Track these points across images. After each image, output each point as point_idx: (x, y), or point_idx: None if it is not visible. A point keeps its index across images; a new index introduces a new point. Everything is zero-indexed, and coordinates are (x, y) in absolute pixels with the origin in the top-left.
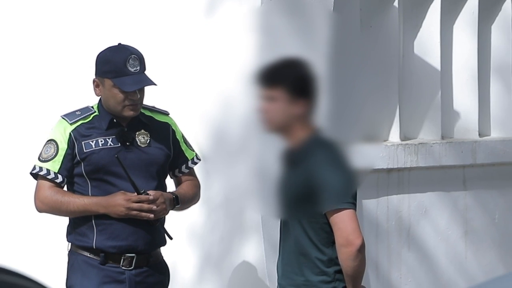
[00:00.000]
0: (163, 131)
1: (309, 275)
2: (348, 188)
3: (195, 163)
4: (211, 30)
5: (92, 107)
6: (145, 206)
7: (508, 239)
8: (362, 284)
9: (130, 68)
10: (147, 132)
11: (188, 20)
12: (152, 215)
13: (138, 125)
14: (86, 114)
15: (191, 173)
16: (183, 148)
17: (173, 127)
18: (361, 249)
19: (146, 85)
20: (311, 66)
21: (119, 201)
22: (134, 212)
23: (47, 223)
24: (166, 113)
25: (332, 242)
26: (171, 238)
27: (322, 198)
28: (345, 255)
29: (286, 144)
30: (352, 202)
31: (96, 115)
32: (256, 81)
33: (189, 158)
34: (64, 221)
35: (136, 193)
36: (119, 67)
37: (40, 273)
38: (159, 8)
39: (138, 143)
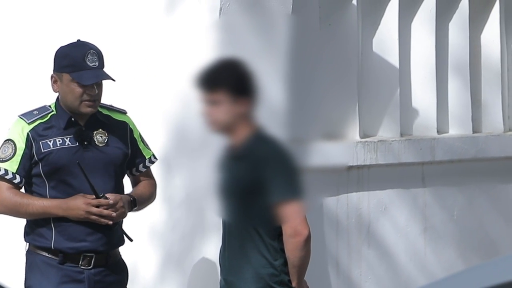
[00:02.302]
0: (120, 130)
1: (258, 268)
2: (294, 181)
3: (152, 162)
4: (170, 28)
5: (50, 106)
6: (105, 212)
7: (466, 235)
8: (322, 282)
9: (88, 63)
10: (105, 131)
11: (147, 18)
12: (111, 222)
13: (96, 124)
14: (44, 114)
15: (148, 172)
16: (140, 147)
17: (130, 126)
18: (308, 239)
19: (104, 79)
20: (248, 65)
21: (79, 205)
22: (94, 217)
23: (4, 223)
24: (123, 112)
25: (279, 235)
26: (131, 240)
27: (270, 191)
28: (292, 245)
29: (230, 142)
30: (298, 194)
31: (54, 114)
32: (197, 85)
33: (146, 157)
34: (22, 220)
35: (95, 197)
36: (78, 61)
37: (5, 274)
38: (119, 6)
39: (96, 142)
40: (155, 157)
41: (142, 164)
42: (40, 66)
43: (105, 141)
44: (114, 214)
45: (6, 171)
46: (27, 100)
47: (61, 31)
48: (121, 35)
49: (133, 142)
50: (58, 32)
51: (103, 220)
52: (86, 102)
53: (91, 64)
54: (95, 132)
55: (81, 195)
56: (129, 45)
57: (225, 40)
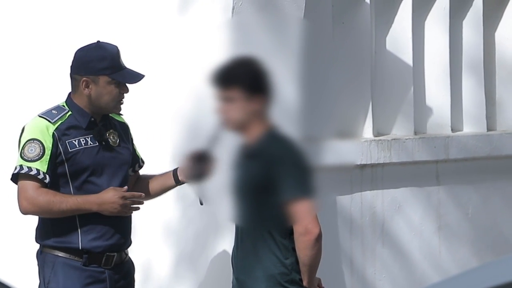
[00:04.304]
0: (124, 131)
1: (268, 267)
2: (306, 179)
3: (143, 163)
4: (183, 27)
5: (63, 106)
6: (137, 202)
7: (481, 233)
8: (336, 281)
9: (122, 63)
10: (116, 132)
11: (161, 17)
12: (139, 207)
13: (108, 124)
14: (62, 114)
15: (138, 173)
16: (135, 148)
17: (129, 128)
18: (319, 238)
19: (143, 77)
20: (263, 63)
21: (113, 198)
22: (128, 208)
23: (16, 225)
24: (121, 114)
25: (290, 233)
26: (202, 204)
27: (281, 190)
28: (303, 244)
29: (244, 140)
30: (310, 193)
31: (71, 114)
32: (212, 82)
33: (139, 157)
34: (34, 223)
35: (127, 188)
36: (116, 62)
37: (15, 276)
38: (132, 5)
39: (110, 142)
40: (142, 161)
41: (137, 164)
42: (51, 67)
43: (117, 142)
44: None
45: (38, 170)
46: (36, 101)
47: (74, 32)
48: (135, 35)
49: (132, 143)
50: (71, 33)
51: (134, 207)
52: (120, 102)
53: (123, 64)
54: (107, 132)
55: (112, 189)
56: (143, 44)
57: (238, 39)
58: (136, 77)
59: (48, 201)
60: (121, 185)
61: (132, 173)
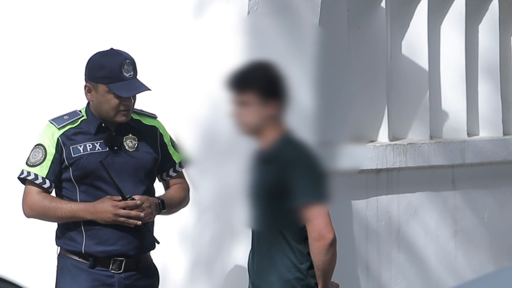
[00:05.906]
0: (150, 134)
1: (284, 272)
2: (320, 184)
3: (182, 167)
4: (199, 31)
5: (80, 111)
6: (133, 213)
7: (497, 238)
8: (352, 285)
9: (125, 74)
10: (134, 136)
11: (176, 21)
12: (139, 222)
13: (126, 129)
14: (74, 119)
15: (180, 176)
16: (170, 152)
17: (160, 131)
18: (333, 243)
19: (142, 91)
20: (279, 68)
21: (107, 208)
22: (122, 219)
23: (36, 227)
24: (154, 117)
25: (305, 238)
26: (158, 243)
27: (295, 194)
28: (317, 249)
29: (258, 144)
30: (324, 198)
31: (84, 119)
32: (228, 86)
33: (177, 161)
34: (54, 224)
35: (121, 199)
36: (115, 72)
37: (30, 277)
38: (148, 10)
39: (126, 147)
40: (185, 162)
41: (172, 169)
42: (71, 72)
43: (135, 146)
44: (141, 214)
45: (36, 175)
46: (58, 105)
47: (91, 37)
48: (150, 39)
49: (163, 147)
50: (89, 38)
51: (131, 221)
52: (122, 111)
53: (127, 75)
54: (125, 137)
55: (108, 198)
56: (158, 49)
57: (253, 43)
58: (133, 90)
59: (44, 207)
60: (135, 190)
61: (167, 178)
